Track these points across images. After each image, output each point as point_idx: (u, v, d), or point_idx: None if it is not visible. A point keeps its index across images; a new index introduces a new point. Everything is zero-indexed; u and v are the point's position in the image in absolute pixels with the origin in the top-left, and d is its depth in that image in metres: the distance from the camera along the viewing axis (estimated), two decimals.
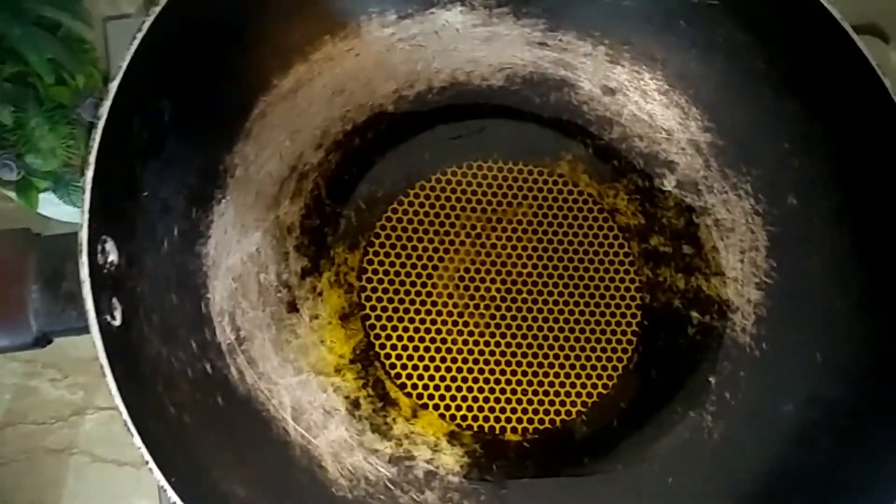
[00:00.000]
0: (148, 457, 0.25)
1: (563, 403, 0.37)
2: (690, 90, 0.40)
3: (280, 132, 0.37)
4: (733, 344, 0.38)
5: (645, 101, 0.41)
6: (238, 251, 0.35)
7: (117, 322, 0.27)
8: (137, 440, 0.25)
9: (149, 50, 0.29)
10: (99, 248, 0.27)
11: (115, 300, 0.27)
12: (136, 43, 0.29)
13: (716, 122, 0.40)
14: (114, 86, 0.28)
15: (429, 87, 0.40)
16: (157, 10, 0.29)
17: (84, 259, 0.26)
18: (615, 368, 0.38)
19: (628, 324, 0.38)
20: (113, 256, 0.28)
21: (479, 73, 0.40)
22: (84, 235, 0.26)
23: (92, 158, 0.27)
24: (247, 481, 0.30)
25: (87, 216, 0.27)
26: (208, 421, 0.30)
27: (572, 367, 0.37)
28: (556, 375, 0.37)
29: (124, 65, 0.28)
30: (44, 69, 0.35)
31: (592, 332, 0.38)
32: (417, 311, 0.37)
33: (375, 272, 0.37)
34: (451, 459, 0.35)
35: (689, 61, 0.40)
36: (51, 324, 0.27)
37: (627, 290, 0.39)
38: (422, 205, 0.39)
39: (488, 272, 0.38)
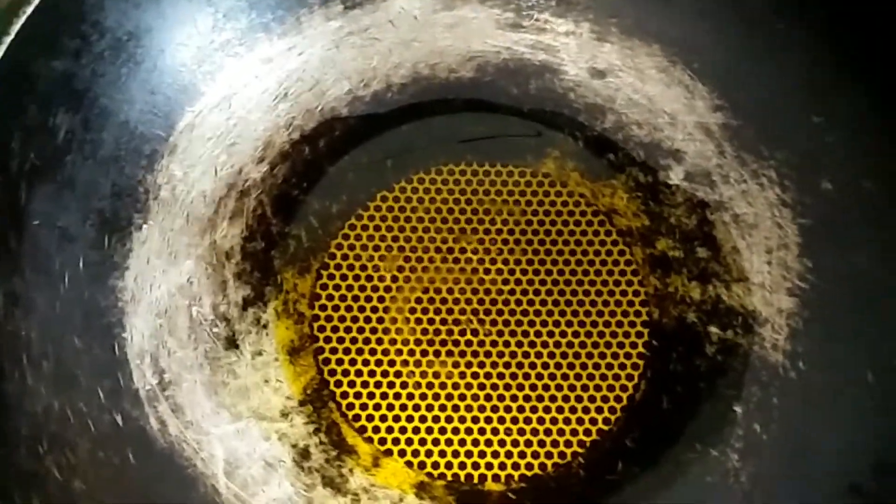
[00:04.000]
0: None
1: (555, 444, 0.31)
2: (695, 64, 0.34)
3: (213, 146, 0.32)
4: (763, 364, 0.31)
5: (641, 82, 0.35)
6: (164, 283, 0.30)
7: None
8: None
9: (33, 47, 0.25)
10: None
11: None
12: (9, 38, 0.25)
13: (728, 100, 0.34)
14: None
15: (387, 84, 0.35)
16: None
17: None
18: (619, 399, 0.31)
19: (633, 345, 0.32)
20: None
21: (446, 65, 0.35)
22: None
23: None
24: None
25: None
26: (110, 485, 0.26)
27: (566, 399, 0.31)
28: (547, 411, 0.31)
29: None
30: None
31: (590, 356, 0.32)
32: (380, 341, 0.32)
33: (330, 298, 0.32)
34: None
35: (691, 30, 0.34)
36: None
37: (631, 304, 0.33)
38: (383, 218, 0.34)
39: (462, 292, 0.33)
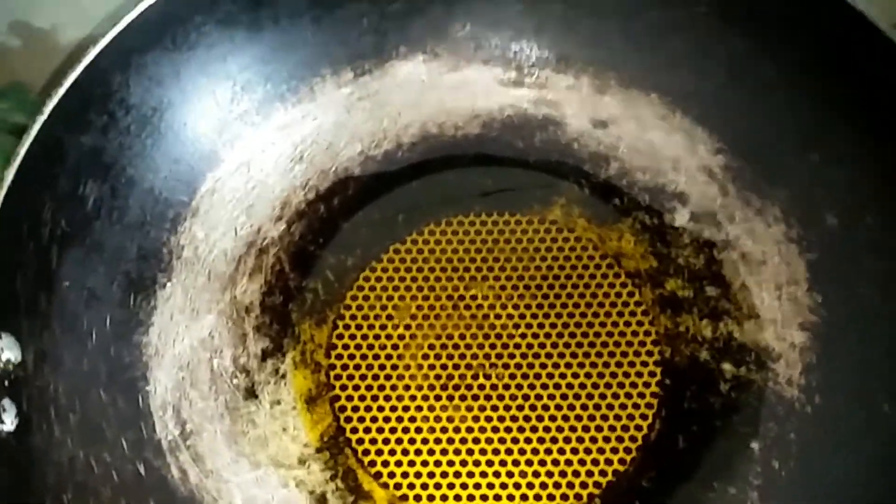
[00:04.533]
0: None
1: (571, 486, 0.31)
2: (693, 111, 0.35)
3: (233, 208, 0.34)
4: (778, 400, 0.31)
5: (643, 130, 0.36)
6: (187, 337, 0.32)
7: (7, 426, 0.25)
8: None
9: (64, 124, 0.28)
10: None
11: (5, 401, 0.25)
12: (42, 117, 0.27)
13: (727, 142, 0.34)
14: (9, 173, 0.26)
15: (398, 144, 0.37)
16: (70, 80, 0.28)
17: None
18: (634, 440, 0.31)
19: (646, 384, 0.32)
20: (10, 354, 0.26)
21: (453, 123, 0.37)
22: None
23: None
24: None
25: None
26: None
27: (581, 441, 0.31)
28: (562, 452, 0.31)
29: (26, 143, 0.27)
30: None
31: (603, 397, 0.32)
32: (394, 388, 0.33)
33: (346, 348, 0.33)
34: None
35: (687, 79, 0.35)
36: None
37: (643, 344, 0.33)
38: (396, 270, 0.35)
39: (474, 338, 0.34)
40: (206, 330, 0.32)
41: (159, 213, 0.32)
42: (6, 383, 0.25)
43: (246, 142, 0.35)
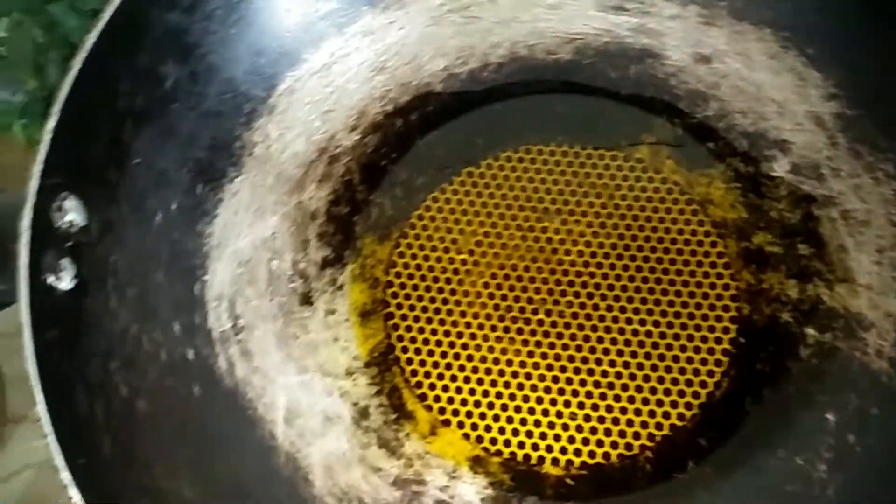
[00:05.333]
0: (44, 415, 0.21)
1: (623, 435, 0.29)
2: (810, 49, 0.32)
3: (310, 111, 0.34)
4: (863, 371, 0.28)
5: (749, 69, 0.33)
6: (250, 235, 0.32)
7: (64, 284, 0.25)
8: (39, 395, 0.22)
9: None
10: (55, 204, 0.25)
11: (65, 260, 0.25)
12: None
13: (844, 88, 0.31)
14: (91, 37, 0.26)
15: (484, 63, 0.35)
16: None
17: (28, 209, 0.24)
18: (696, 396, 0.29)
19: (718, 340, 0.30)
20: (76, 217, 0.26)
21: (544, 46, 0.35)
22: (33, 186, 0.24)
23: (56, 108, 0.25)
24: (202, 482, 0.26)
25: (41, 166, 0.25)
26: (173, 411, 0.27)
27: (639, 389, 0.30)
28: (618, 399, 0.30)
29: (110, 9, 0.27)
30: None
31: (669, 348, 0.30)
32: (450, 313, 0.32)
33: (406, 266, 0.33)
34: (470, 489, 0.29)
35: (806, 13, 0.32)
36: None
37: (720, 298, 0.31)
38: (467, 193, 0.34)
39: (539, 272, 0.32)
40: (269, 230, 0.32)
41: (236, 106, 0.32)
42: (68, 244, 0.25)
43: (329, 43, 0.34)
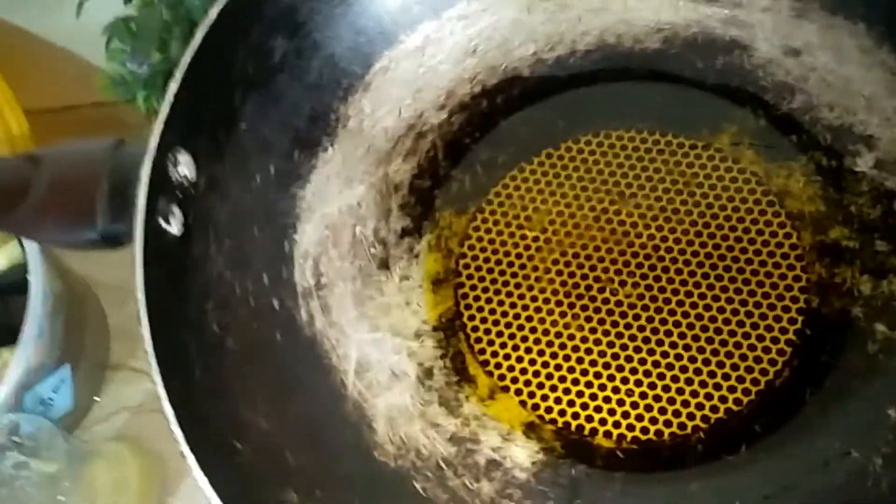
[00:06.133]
0: (148, 342, 0.25)
1: (678, 414, 0.30)
2: None
3: (402, 89, 0.36)
4: None
5: (839, 63, 0.32)
6: (337, 201, 0.34)
7: (173, 230, 0.28)
8: (144, 321, 0.25)
9: None
10: (171, 157, 0.29)
11: (175, 208, 0.28)
12: None
13: None
14: (213, 11, 0.29)
15: (572, 50, 0.36)
16: None
17: (148, 160, 0.27)
18: (756, 382, 0.29)
19: (783, 330, 0.30)
20: (187, 171, 0.29)
21: (632, 35, 0.36)
22: (155, 139, 0.28)
23: (179, 74, 0.29)
24: (277, 417, 0.28)
25: (161, 125, 0.28)
26: (256, 351, 0.30)
27: (698, 372, 0.30)
28: (676, 379, 0.30)
29: None
30: None
31: (733, 334, 0.30)
32: (518, 286, 0.33)
33: (480, 240, 0.34)
34: (522, 453, 0.30)
35: None
36: (115, 223, 0.28)
37: (789, 288, 0.30)
38: (545, 174, 0.35)
39: (609, 252, 0.33)
40: (355, 198, 0.35)
41: (334, 80, 0.34)
42: (179, 194, 0.28)
43: (425, 26, 0.36)
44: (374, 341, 0.32)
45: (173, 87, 0.29)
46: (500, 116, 0.36)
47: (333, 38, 0.34)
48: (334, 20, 0.34)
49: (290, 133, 0.33)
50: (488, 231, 0.34)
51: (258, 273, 0.31)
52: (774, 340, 0.30)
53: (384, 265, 0.34)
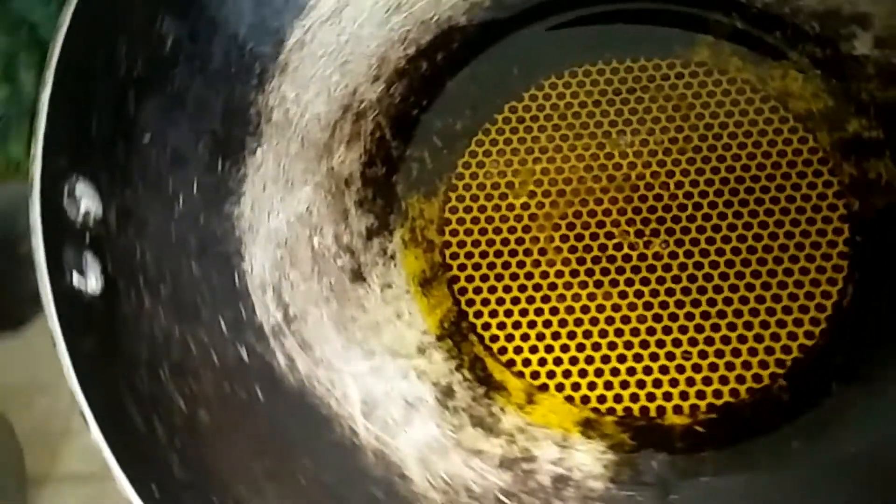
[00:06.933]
0: (104, 446, 0.17)
1: (748, 366, 0.26)
2: None
3: (325, 65, 0.30)
4: None
5: None
6: (283, 211, 0.28)
7: (91, 285, 0.21)
8: (95, 431, 0.18)
9: None
10: (64, 189, 0.21)
11: (87, 255, 0.21)
12: None
13: None
14: None
15: None
16: None
17: (35, 197, 0.20)
18: (821, 308, 0.26)
19: (832, 244, 0.26)
20: (90, 204, 0.22)
21: None
22: (37, 167, 0.20)
23: (47, 85, 0.21)
24: (289, 494, 0.22)
25: (41, 143, 0.21)
26: (237, 418, 0.23)
27: (754, 313, 0.26)
28: (733, 328, 0.26)
29: None
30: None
31: (778, 262, 0.26)
32: (521, 265, 0.28)
33: (461, 223, 0.29)
34: (588, 458, 0.25)
35: None
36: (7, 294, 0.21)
37: (823, 197, 0.27)
38: (514, 131, 0.30)
39: (613, 202, 0.28)
40: (303, 204, 0.28)
41: (245, 66, 0.28)
42: (86, 238, 0.21)
43: None
44: (372, 370, 0.26)
45: (44, 99, 0.21)
46: (445, 77, 0.31)
47: (232, 14, 0.27)
48: None
49: (206, 138, 0.27)
50: (468, 210, 0.29)
51: (211, 320, 0.24)
52: (826, 258, 0.26)
53: (358, 277, 0.28)
